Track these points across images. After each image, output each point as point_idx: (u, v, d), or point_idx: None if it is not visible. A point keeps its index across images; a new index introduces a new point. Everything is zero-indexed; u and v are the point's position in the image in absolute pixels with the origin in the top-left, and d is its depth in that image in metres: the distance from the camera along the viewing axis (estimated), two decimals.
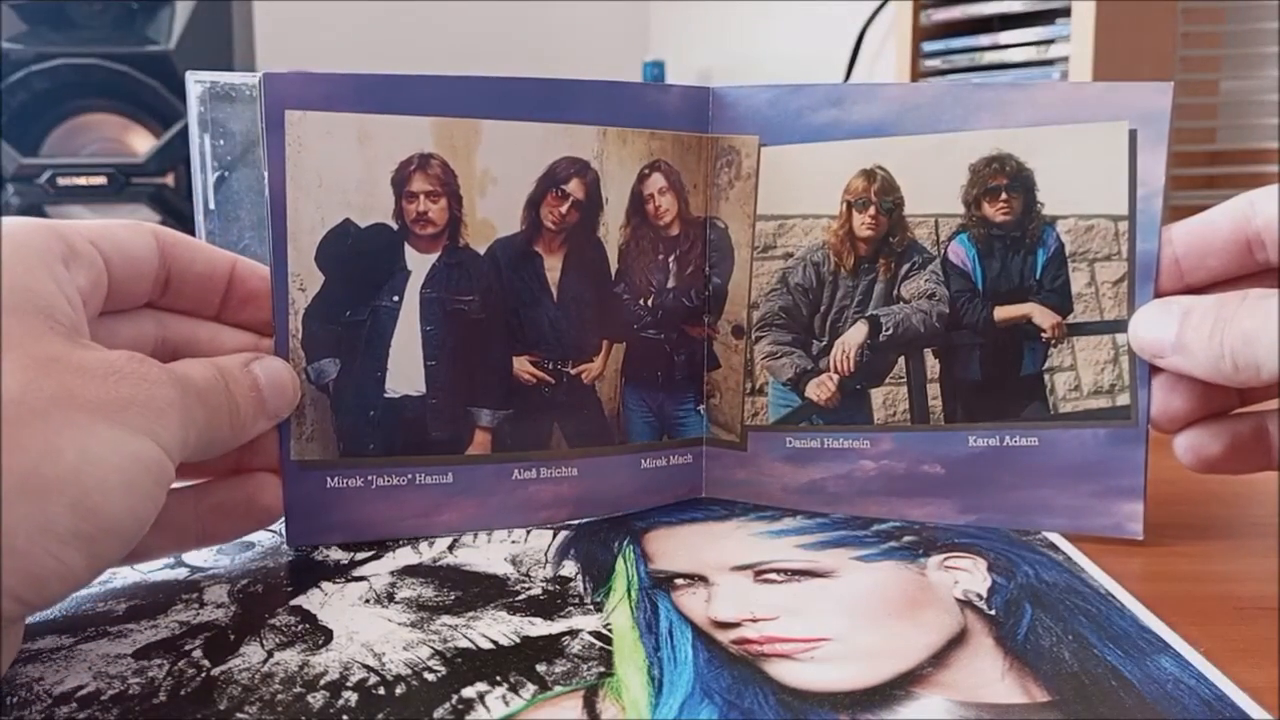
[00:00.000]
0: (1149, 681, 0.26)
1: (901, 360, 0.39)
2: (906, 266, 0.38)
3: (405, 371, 0.36)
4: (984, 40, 1.55)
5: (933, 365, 0.38)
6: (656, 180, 0.38)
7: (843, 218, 0.38)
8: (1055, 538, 0.36)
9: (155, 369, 0.28)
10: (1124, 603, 0.31)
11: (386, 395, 0.36)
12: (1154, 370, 0.36)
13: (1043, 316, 0.37)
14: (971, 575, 0.33)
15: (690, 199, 0.39)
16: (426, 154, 0.36)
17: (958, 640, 0.29)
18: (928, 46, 1.63)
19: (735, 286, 0.40)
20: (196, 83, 0.38)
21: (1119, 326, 0.36)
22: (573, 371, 0.38)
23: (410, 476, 0.37)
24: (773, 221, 0.39)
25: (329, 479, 0.36)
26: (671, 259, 0.39)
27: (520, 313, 0.38)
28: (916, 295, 0.38)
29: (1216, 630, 0.29)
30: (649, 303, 0.39)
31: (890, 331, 0.38)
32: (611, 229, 0.38)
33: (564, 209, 0.37)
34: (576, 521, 0.38)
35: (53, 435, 0.24)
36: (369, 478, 0.36)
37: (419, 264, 0.36)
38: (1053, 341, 0.37)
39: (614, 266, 0.38)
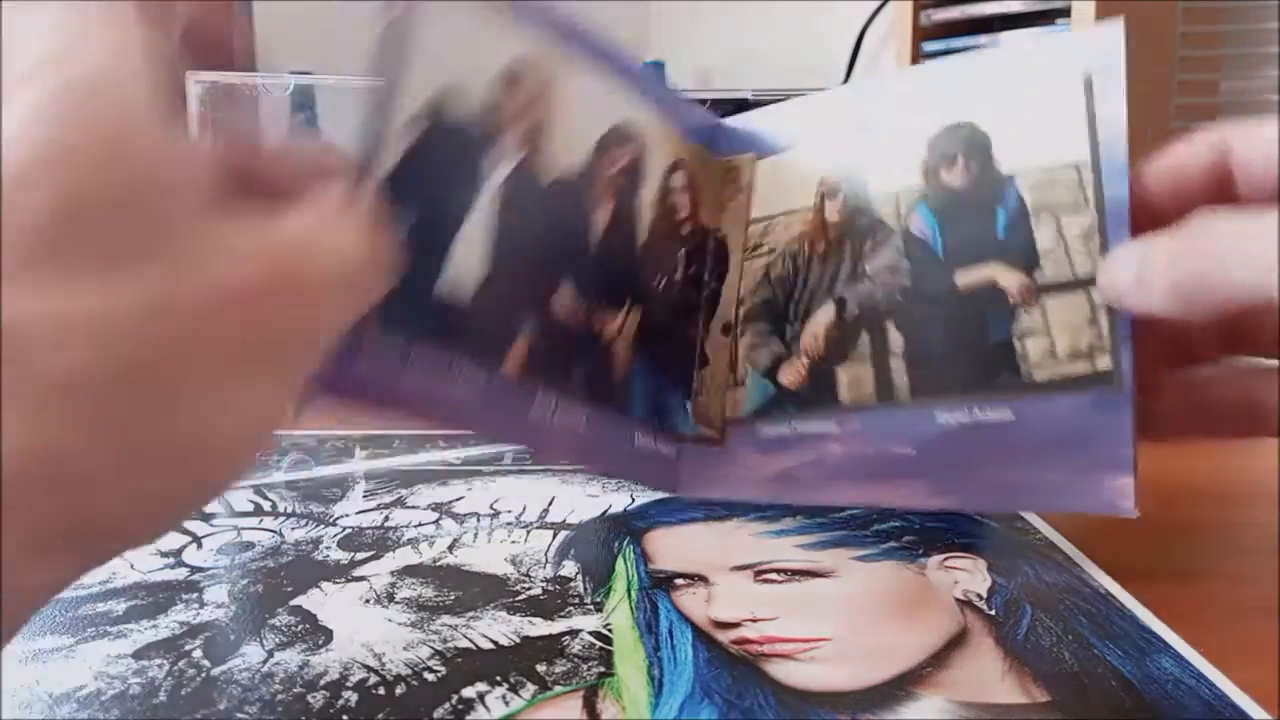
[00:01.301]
0: (1149, 682, 0.26)
1: (865, 336, 0.38)
2: (869, 243, 0.38)
3: (463, 266, 0.35)
4: (984, 40, 1.55)
5: (896, 338, 0.37)
6: (679, 178, 0.40)
7: (817, 207, 0.39)
8: (1055, 537, 0.36)
9: None
10: (1124, 603, 0.31)
11: (439, 289, 0.34)
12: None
13: (1007, 277, 0.36)
14: (971, 575, 0.33)
15: (701, 208, 0.41)
16: (520, 69, 0.35)
17: (958, 640, 0.29)
18: (928, 46, 1.63)
19: (728, 289, 0.40)
20: (196, 83, 0.38)
21: (1094, 282, 0.34)
22: (599, 322, 0.38)
23: (449, 363, 0.34)
24: (761, 223, 0.40)
25: (365, 338, 0.32)
26: (681, 253, 0.40)
27: (569, 244, 0.37)
28: (879, 270, 0.38)
29: (1216, 630, 0.29)
30: (661, 283, 0.40)
31: (856, 310, 0.38)
32: (645, 203, 0.39)
33: (622, 164, 0.38)
34: (576, 520, 0.38)
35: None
36: (408, 351, 0.33)
37: (494, 174, 0.35)
38: (1021, 304, 0.35)
39: (641, 238, 0.39)
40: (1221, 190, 0.33)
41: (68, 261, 0.19)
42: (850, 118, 0.39)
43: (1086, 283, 0.34)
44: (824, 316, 0.39)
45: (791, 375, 0.39)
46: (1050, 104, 0.35)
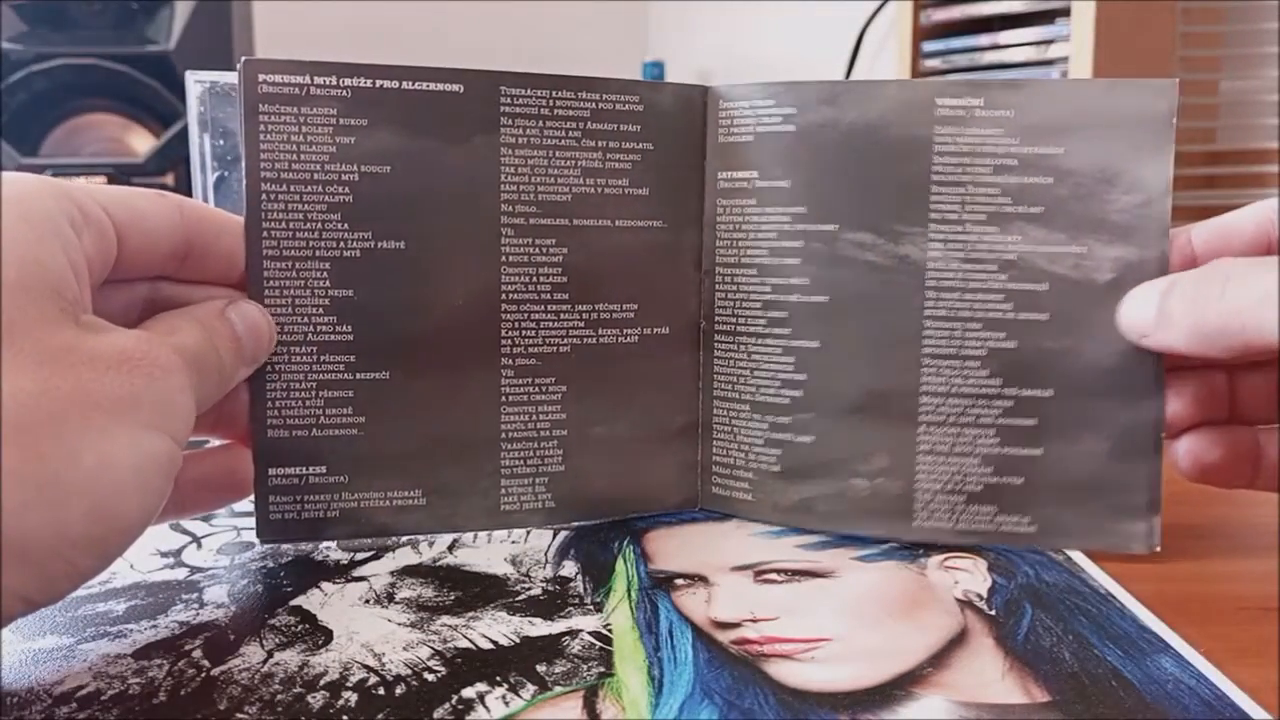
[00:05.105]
0: (1149, 682, 0.26)
1: None
2: None
3: None
4: (984, 40, 1.55)
5: None
6: None
7: None
8: None
9: (165, 353, 0.27)
10: (1124, 603, 0.31)
11: None
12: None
13: None
14: (972, 575, 0.33)
15: None
16: None
17: (958, 640, 0.29)
18: (928, 46, 1.63)
19: None
20: (196, 83, 0.38)
21: None
22: None
23: None
24: None
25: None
26: None
27: None
28: None
29: (1216, 630, 0.29)
30: None
31: None
32: None
33: None
34: (578, 523, 0.38)
35: (71, 439, 0.24)
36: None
37: None
38: None
39: None
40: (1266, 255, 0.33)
41: None
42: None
43: None
44: None
45: None
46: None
